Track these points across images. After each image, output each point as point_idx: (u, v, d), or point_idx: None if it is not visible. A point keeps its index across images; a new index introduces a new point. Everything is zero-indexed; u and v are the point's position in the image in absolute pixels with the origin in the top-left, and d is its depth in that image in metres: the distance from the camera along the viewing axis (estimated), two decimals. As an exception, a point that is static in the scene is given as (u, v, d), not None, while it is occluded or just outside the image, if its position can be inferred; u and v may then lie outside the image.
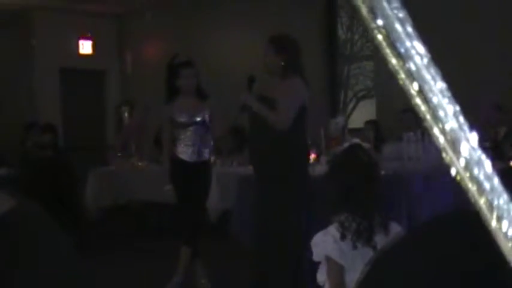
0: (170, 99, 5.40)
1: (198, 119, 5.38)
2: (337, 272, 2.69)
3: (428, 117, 0.47)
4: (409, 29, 0.45)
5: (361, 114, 11.38)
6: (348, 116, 11.29)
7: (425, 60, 0.46)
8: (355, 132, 7.80)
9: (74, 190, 7.25)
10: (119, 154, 8.76)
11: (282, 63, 4.77)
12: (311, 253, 2.80)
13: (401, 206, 5.64)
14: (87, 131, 11.31)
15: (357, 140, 3.07)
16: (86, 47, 11.42)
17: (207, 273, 5.50)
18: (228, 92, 7.15)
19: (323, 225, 2.87)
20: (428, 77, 0.46)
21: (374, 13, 0.45)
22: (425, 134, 6.88)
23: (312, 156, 6.40)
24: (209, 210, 7.17)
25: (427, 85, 0.46)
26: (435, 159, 6.59)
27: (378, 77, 9.61)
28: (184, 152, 5.39)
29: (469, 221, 0.74)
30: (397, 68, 0.46)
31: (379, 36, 0.46)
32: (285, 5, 9.51)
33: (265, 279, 4.72)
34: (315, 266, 2.86)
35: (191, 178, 5.36)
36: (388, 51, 0.46)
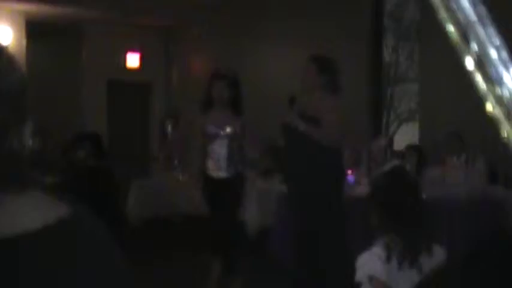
0: (205, 110, 5.38)
1: (227, 131, 5.26)
2: None
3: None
4: (504, 56, 0.47)
5: (404, 136, 11.30)
6: (390, 138, 11.23)
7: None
8: (397, 154, 7.75)
9: (115, 200, 7.32)
10: (162, 166, 8.84)
11: (324, 83, 4.84)
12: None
13: (442, 230, 5.58)
14: (132, 143, 11.43)
15: (398, 162, 3.08)
16: (133, 60, 11.56)
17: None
18: (270, 110, 7.17)
19: (363, 247, 2.86)
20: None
21: (467, 38, 0.47)
22: (469, 159, 6.81)
23: (350, 174, 6.36)
24: (248, 227, 7.18)
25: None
26: (478, 185, 6.51)
27: (422, 100, 9.53)
28: (212, 167, 5.30)
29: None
30: (487, 92, 0.47)
31: (471, 61, 0.47)
32: (331, 26, 9.51)
33: None
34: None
35: (219, 193, 5.26)
36: (479, 75, 0.47)
